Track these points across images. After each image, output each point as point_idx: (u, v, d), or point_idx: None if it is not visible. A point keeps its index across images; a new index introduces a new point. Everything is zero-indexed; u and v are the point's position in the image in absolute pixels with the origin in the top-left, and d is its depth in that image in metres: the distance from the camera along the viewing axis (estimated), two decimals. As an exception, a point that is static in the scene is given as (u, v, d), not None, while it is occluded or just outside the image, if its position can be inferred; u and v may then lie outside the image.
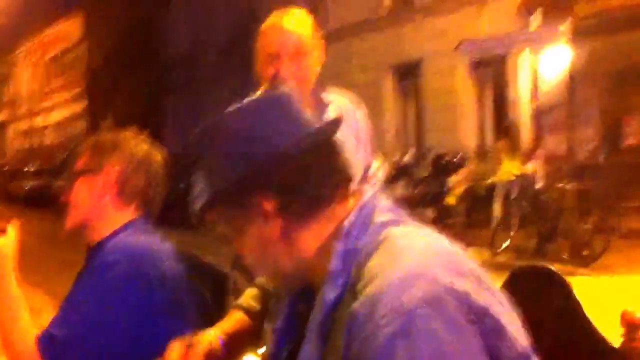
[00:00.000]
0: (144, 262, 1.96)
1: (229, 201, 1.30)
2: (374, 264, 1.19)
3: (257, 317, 1.80)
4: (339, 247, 1.26)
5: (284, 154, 1.27)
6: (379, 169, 2.55)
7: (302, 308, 1.39)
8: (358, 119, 2.46)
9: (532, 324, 1.26)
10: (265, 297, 1.80)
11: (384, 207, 1.31)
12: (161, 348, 1.85)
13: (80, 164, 2.13)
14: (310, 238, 1.29)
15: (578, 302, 1.53)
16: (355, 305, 1.15)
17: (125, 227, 2.08)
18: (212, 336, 1.71)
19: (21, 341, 1.87)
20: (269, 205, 1.27)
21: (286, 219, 1.28)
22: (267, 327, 1.58)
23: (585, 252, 9.29)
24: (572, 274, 8.55)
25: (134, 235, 2.05)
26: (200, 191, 1.32)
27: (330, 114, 2.32)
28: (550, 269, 1.61)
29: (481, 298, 1.15)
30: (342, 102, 2.46)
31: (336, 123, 1.37)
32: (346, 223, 1.28)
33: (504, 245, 10.21)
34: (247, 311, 1.89)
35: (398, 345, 1.08)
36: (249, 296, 1.92)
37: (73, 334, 1.85)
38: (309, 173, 1.28)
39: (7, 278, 1.90)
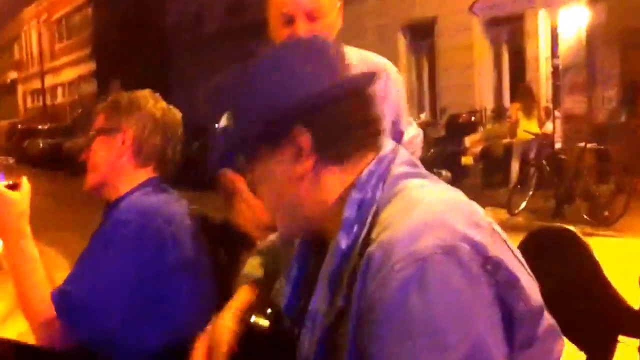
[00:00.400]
0: (157, 220, 1.96)
1: (264, 136, 1.29)
2: (389, 213, 1.20)
3: (264, 285, 1.73)
4: (354, 195, 1.26)
5: (322, 94, 1.27)
6: (418, 136, 2.42)
7: (312, 262, 1.40)
8: (386, 79, 2.29)
9: (550, 285, 1.25)
10: (268, 262, 1.75)
11: (403, 161, 1.31)
12: (174, 305, 1.97)
13: (98, 123, 2.15)
14: (334, 183, 1.29)
15: (597, 263, 1.51)
16: (371, 249, 1.15)
17: (140, 186, 2.09)
18: (230, 323, 1.64)
19: (38, 297, 1.88)
20: (304, 141, 1.27)
21: (317, 158, 1.28)
22: (277, 285, 1.54)
23: (605, 213, 9.22)
24: (591, 234, 8.47)
25: (149, 194, 2.06)
26: (231, 132, 1.33)
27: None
28: (569, 230, 1.59)
29: (496, 250, 1.15)
30: (370, 61, 2.31)
31: (372, 77, 1.37)
32: (364, 173, 1.27)
33: (521, 206, 10.16)
34: (254, 281, 1.81)
35: (412, 290, 1.08)
36: (253, 265, 1.84)
37: (87, 290, 1.87)
38: (344, 118, 1.28)
39: (23, 234, 1.89)
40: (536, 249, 1.42)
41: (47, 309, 1.85)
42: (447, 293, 1.09)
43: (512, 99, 11.87)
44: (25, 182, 1.92)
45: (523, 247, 1.27)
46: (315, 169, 1.28)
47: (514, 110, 11.43)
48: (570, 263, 1.55)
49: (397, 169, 1.28)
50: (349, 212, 1.25)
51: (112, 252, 1.91)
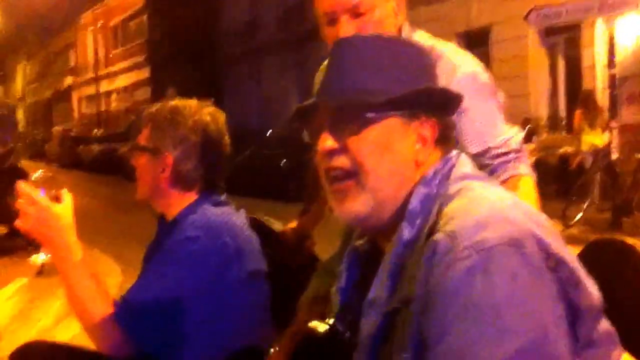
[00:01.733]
0: (222, 237, 1.99)
1: (405, 106, 1.34)
2: (453, 207, 1.24)
3: (325, 303, 1.74)
4: (420, 190, 1.32)
5: (457, 95, 1.40)
6: (518, 141, 2.14)
7: (365, 267, 1.45)
8: (462, 81, 2.07)
9: (607, 297, 1.25)
10: (328, 281, 1.75)
11: (466, 164, 1.37)
12: (237, 320, 2.00)
13: (142, 138, 2.15)
14: (416, 176, 1.36)
15: None
16: (437, 236, 1.19)
17: (199, 202, 2.10)
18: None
19: (94, 309, 1.89)
20: (432, 130, 1.37)
21: (431, 151, 1.37)
22: (333, 290, 1.55)
23: (663, 226, 9.05)
24: None
25: (210, 210, 2.07)
26: (365, 85, 1.34)
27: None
28: (627, 243, 1.57)
29: (558, 248, 1.18)
30: (455, 60, 2.12)
31: (459, 99, 1.43)
32: (430, 171, 1.34)
33: (576, 218, 10.03)
34: (315, 299, 1.87)
35: (476, 278, 1.11)
36: (314, 286, 1.92)
37: (152, 304, 1.90)
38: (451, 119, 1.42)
39: (69, 247, 1.89)
40: (593, 260, 1.39)
41: (107, 319, 1.87)
42: (511, 282, 1.11)
43: (574, 106, 11.64)
44: (66, 194, 1.92)
45: (580, 259, 1.26)
46: (424, 158, 1.36)
47: (577, 118, 11.16)
48: (628, 276, 1.52)
49: (460, 169, 1.35)
50: (414, 204, 1.31)
51: (178, 268, 1.93)
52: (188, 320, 1.93)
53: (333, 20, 2.02)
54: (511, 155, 2.08)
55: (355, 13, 2.01)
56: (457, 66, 2.06)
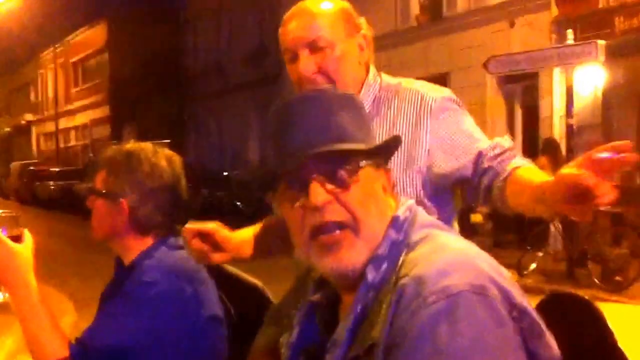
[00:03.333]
0: (180, 282, 2.00)
1: (373, 157, 1.37)
2: (417, 254, 1.27)
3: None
4: (391, 235, 1.33)
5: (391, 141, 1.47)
6: (508, 141, 2.06)
7: (322, 322, 1.44)
8: (420, 106, 2.05)
9: (564, 351, 1.28)
10: (278, 332, 1.72)
11: (424, 213, 1.42)
12: None
13: (98, 182, 2.15)
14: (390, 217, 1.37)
15: (612, 333, 1.49)
16: (404, 281, 1.21)
17: (155, 247, 2.10)
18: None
19: (50, 350, 1.88)
20: (386, 175, 1.40)
21: (390, 195, 1.40)
22: (282, 342, 1.53)
23: (618, 278, 9.09)
24: (603, 300, 8.44)
25: (167, 254, 2.07)
26: (354, 133, 1.35)
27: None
28: (583, 298, 1.59)
29: (521, 299, 1.21)
30: (404, 87, 2.10)
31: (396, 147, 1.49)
32: (400, 215, 1.36)
33: (531, 267, 10.06)
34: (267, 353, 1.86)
35: (441, 322, 1.13)
36: (266, 336, 1.92)
37: (108, 349, 1.90)
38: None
39: (28, 285, 1.89)
40: (549, 315, 1.37)
41: (57, 358, 1.87)
42: (475, 328, 1.13)
43: (532, 155, 11.62)
44: (27, 234, 1.94)
45: (538, 311, 1.26)
46: (390, 206, 1.39)
47: (540, 165, 11.10)
48: (584, 331, 1.53)
49: (422, 218, 1.38)
50: (382, 248, 1.31)
51: (136, 313, 1.94)
52: None
53: (294, 57, 2.01)
54: (507, 154, 1.98)
55: (314, 47, 1.98)
56: (425, 94, 2.05)
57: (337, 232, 1.31)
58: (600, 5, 12.49)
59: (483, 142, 2.03)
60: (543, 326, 1.23)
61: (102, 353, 1.89)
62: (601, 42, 9.97)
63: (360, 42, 2.06)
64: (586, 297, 1.59)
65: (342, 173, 1.31)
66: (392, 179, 1.42)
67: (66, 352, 1.87)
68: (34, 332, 1.89)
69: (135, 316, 1.93)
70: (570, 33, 10.70)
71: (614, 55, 10.92)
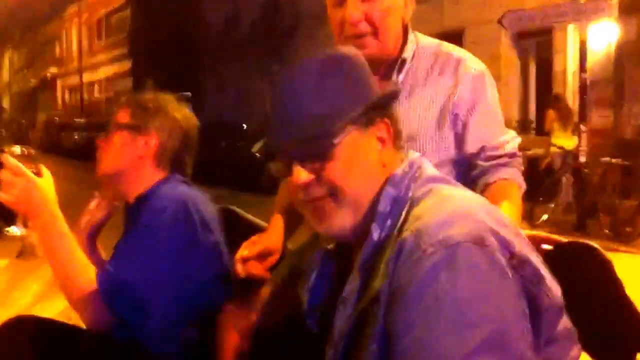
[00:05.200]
0: (189, 207, 2.05)
1: (360, 119, 1.37)
2: (422, 207, 1.29)
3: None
4: (389, 191, 1.36)
5: (394, 93, 1.49)
6: (513, 147, 2.14)
7: (335, 268, 1.49)
8: (456, 68, 2.09)
9: (571, 299, 1.29)
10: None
11: (430, 167, 1.43)
12: (206, 287, 2.08)
13: (122, 117, 2.19)
14: (383, 175, 1.39)
15: (619, 281, 1.52)
16: (404, 235, 1.24)
17: (165, 180, 2.16)
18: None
19: (78, 274, 1.91)
20: (387, 129, 1.41)
21: (389, 147, 1.41)
22: (300, 290, 1.58)
23: (627, 229, 9.16)
24: (613, 250, 8.46)
25: (176, 186, 2.14)
26: (323, 115, 1.35)
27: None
28: (592, 246, 1.60)
29: (522, 248, 1.23)
30: (444, 51, 2.12)
31: (397, 93, 1.53)
32: (398, 172, 1.38)
33: (543, 218, 10.14)
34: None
35: (441, 274, 1.15)
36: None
37: (130, 273, 1.93)
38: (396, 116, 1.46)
39: (56, 216, 1.91)
40: (559, 262, 1.41)
41: (89, 285, 1.90)
42: (475, 277, 1.15)
43: (544, 110, 11.76)
44: (45, 170, 1.95)
45: (548, 259, 1.30)
46: (386, 157, 1.40)
47: (548, 119, 11.28)
48: (592, 279, 1.56)
49: (427, 172, 1.39)
50: (383, 206, 1.34)
51: (151, 237, 1.98)
52: (164, 288, 1.98)
53: (342, 1, 1.99)
54: (503, 160, 2.07)
55: None
56: (467, 64, 2.08)
57: (320, 203, 1.36)
58: (615, -38, 12.49)
59: (495, 136, 2.08)
60: (545, 272, 1.24)
61: (126, 278, 1.92)
62: None
63: (405, 1, 2.06)
64: (596, 245, 1.59)
65: (319, 151, 1.34)
66: (396, 127, 1.42)
67: (94, 282, 1.90)
68: (63, 263, 1.91)
69: (149, 241, 1.98)
70: None
71: (627, 11, 10.92)
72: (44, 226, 1.90)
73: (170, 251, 1.99)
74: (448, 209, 1.25)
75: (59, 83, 47.94)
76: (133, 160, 2.15)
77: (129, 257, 1.97)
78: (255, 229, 2.28)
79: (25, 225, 2.02)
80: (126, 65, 35.10)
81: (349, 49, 1.50)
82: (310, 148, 1.35)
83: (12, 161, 1.87)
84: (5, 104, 55.81)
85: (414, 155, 1.43)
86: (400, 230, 1.28)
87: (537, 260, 1.25)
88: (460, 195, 1.32)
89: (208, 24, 29.07)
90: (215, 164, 17.22)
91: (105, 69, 39.26)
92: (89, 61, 41.51)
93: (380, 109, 1.40)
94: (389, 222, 1.33)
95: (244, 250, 1.99)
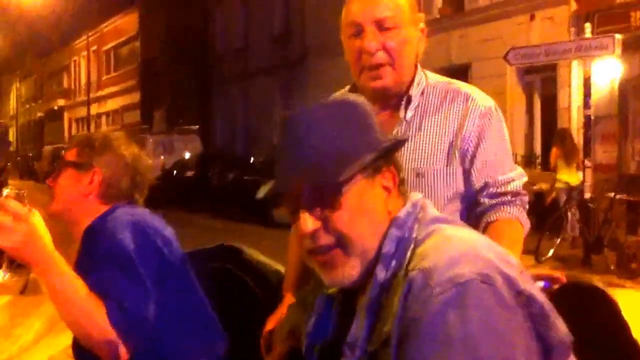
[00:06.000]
0: (143, 227, 2.04)
1: (369, 167, 1.37)
2: (427, 247, 1.30)
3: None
4: (394, 233, 1.36)
5: (398, 142, 1.49)
6: (518, 186, 2.14)
7: (337, 309, 1.48)
8: (465, 105, 2.10)
9: (578, 342, 1.29)
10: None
11: (432, 207, 1.44)
12: (184, 305, 2.07)
13: (69, 156, 2.21)
14: (386, 219, 1.39)
15: (626, 323, 1.53)
16: (412, 274, 1.24)
17: (111, 210, 2.12)
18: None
19: (94, 317, 1.85)
20: (392, 176, 1.41)
21: (394, 194, 1.41)
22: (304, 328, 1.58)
23: (633, 265, 9.20)
24: (618, 286, 8.58)
25: (124, 209, 2.11)
26: (332, 162, 1.34)
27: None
28: (598, 287, 1.61)
29: (527, 285, 1.24)
30: (453, 87, 2.15)
31: (403, 142, 1.57)
32: (402, 213, 1.39)
33: (549, 254, 10.17)
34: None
35: (451, 310, 1.17)
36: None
37: (136, 305, 1.90)
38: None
39: (58, 260, 1.85)
40: (565, 303, 1.42)
41: (105, 324, 1.85)
42: (484, 315, 1.16)
43: (550, 144, 11.87)
44: (36, 212, 1.86)
45: (552, 299, 1.29)
46: (393, 206, 1.40)
47: (554, 155, 11.37)
48: (599, 321, 1.56)
49: (430, 213, 1.40)
50: (388, 247, 1.34)
51: (121, 269, 1.93)
52: (163, 311, 1.98)
53: (359, 32, 2.04)
54: (507, 198, 2.08)
55: (381, 26, 2.02)
56: (476, 100, 2.10)
57: (328, 252, 1.35)
58: (617, 1, 12.62)
59: (501, 172, 2.08)
60: (551, 310, 1.24)
61: (136, 312, 1.89)
62: (618, 36, 9.92)
63: (419, 34, 2.11)
64: (602, 286, 1.61)
65: (328, 199, 1.33)
66: (399, 175, 1.42)
67: (104, 310, 1.85)
68: (70, 306, 1.85)
69: (120, 275, 1.91)
70: (588, 27, 10.72)
71: (630, 48, 11.00)
72: (46, 271, 1.84)
73: (149, 273, 1.96)
74: (454, 247, 1.26)
75: (66, 115, 48.15)
76: (78, 197, 2.15)
77: (120, 292, 1.90)
78: (260, 268, 2.29)
79: (9, 269, 1.93)
80: (135, 97, 35.40)
81: (356, 96, 1.52)
82: (318, 195, 1.34)
83: (15, 205, 1.80)
84: (12, 135, 55.99)
85: (416, 196, 1.44)
86: (406, 270, 1.28)
87: (542, 297, 1.25)
88: (464, 235, 1.33)
89: (218, 55, 29.32)
90: (223, 196, 17.34)
91: (113, 101, 39.61)
92: (97, 93, 41.84)
93: (386, 157, 1.40)
94: (393, 263, 1.33)
95: (271, 325, 2.02)
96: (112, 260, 1.94)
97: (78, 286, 1.86)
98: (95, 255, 1.98)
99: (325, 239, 1.35)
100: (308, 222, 1.34)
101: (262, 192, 1.40)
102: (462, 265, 1.20)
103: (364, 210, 1.35)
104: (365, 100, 1.48)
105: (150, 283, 1.95)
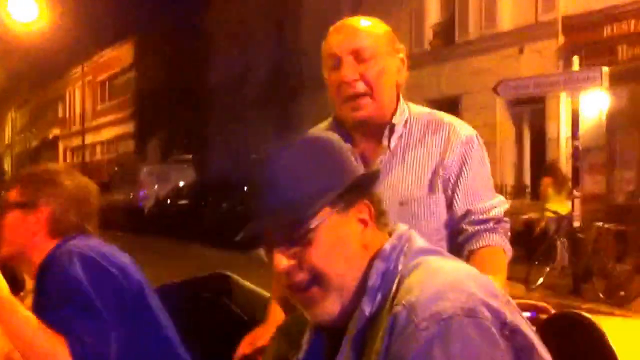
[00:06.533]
0: (100, 261, 2.01)
1: (339, 201, 1.35)
2: (412, 280, 1.28)
3: None
4: (379, 266, 1.34)
5: (374, 174, 1.51)
6: (500, 212, 2.14)
7: (325, 342, 1.45)
8: (448, 135, 2.12)
9: None
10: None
11: (419, 238, 1.41)
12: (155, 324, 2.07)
13: (12, 196, 2.15)
14: (368, 254, 1.37)
15: (613, 352, 1.51)
16: (396, 309, 1.23)
17: (64, 241, 2.08)
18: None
19: (41, 339, 1.85)
20: (369, 209, 1.38)
21: (372, 227, 1.38)
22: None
23: (621, 293, 9.30)
24: (607, 314, 8.65)
25: (73, 242, 2.07)
26: (298, 200, 1.33)
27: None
28: (586, 317, 1.59)
29: (513, 317, 1.23)
30: (436, 117, 2.17)
31: (377, 174, 1.55)
32: (387, 246, 1.37)
33: (538, 282, 10.26)
34: None
35: (435, 348, 1.16)
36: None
37: (97, 340, 1.88)
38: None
39: (9, 300, 1.88)
40: (553, 333, 1.43)
41: (53, 344, 1.85)
42: (468, 350, 1.15)
43: (539, 175, 12.06)
44: None
45: (540, 330, 1.30)
46: (369, 238, 1.38)
47: (544, 186, 11.58)
48: (586, 350, 1.54)
49: (415, 244, 1.37)
50: (373, 280, 1.32)
51: (83, 298, 1.91)
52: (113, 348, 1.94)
53: (337, 63, 2.04)
54: (489, 225, 2.07)
55: (359, 56, 2.03)
56: (458, 130, 2.12)
57: (305, 291, 1.34)
58: (605, 35, 12.91)
59: (483, 200, 2.10)
60: (536, 342, 1.23)
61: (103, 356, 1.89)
62: (605, 69, 10.05)
63: (399, 64, 2.11)
64: (589, 317, 1.57)
65: (299, 236, 1.33)
66: (377, 207, 1.40)
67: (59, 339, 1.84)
68: (24, 341, 1.87)
69: (79, 312, 1.89)
70: (576, 60, 10.80)
71: (617, 81, 11.10)
72: (1, 314, 1.88)
73: (106, 304, 1.93)
74: (438, 281, 1.24)
75: (60, 144, 48.11)
76: (27, 238, 2.11)
77: (79, 327, 1.88)
78: (251, 297, 2.28)
79: None
80: (130, 127, 35.48)
81: (327, 133, 1.52)
82: (288, 234, 1.33)
83: None
84: (7, 165, 55.93)
85: (402, 228, 1.42)
86: (392, 304, 1.26)
87: (528, 329, 1.25)
88: (450, 267, 1.32)
89: (213, 87, 29.43)
90: (216, 226, 17.34)
91: (108, 131, 39.57)
92: (92, 122, 41.76)
93: (360, 191, 1.38)
94: (379, 296, 1.31)
95: (245, 348, 2.00)
96: (66, 296, 1.91)
97: (36, 326, 1.86)
98: (49, 292, 1.97)
99: (300, 276, 1.35)
100: (281, 260, 1.34)
101: (241, 235, 1.40)
102: (446, 300, 1.20)
103: (338, 245, 1.34)
104: (337, 136, 1.47)
105: (108, 314, 1.92)
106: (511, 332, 1.20)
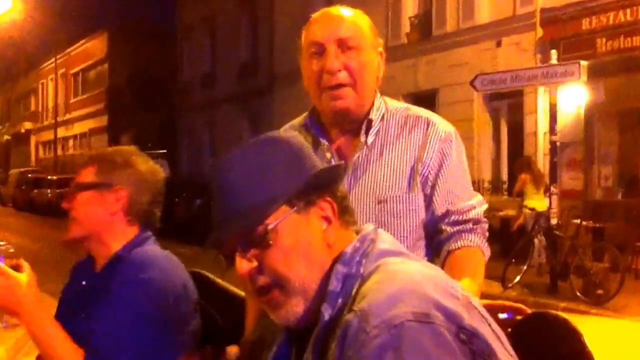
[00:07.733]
0: (173, 277, 2.05)
1: (298, 200, 1.34)
2: (368, 285, 1.25)
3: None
4: (339, 269, 1.32)
5: (336, 169, 1.46)
6: (479, 213, 2.12)
7: (294, 344, 1.43)
8: (425, 130, 2.10)
9: None
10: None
11: (385, 240, 1.38)
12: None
13: (87, 177, 2.14)
14: (330, 254, 1.35)
15: (589, 352, 1.51)
16: (349, 316, 1.20)
17: (142, 240, 2.13)
18: None
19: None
20: (331, 207, 1.36)
21: (337, 226, 1.37)
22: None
23: (598, 291, 9.25)
24: (584, 312, 8.63)
25: (155, 248, 2.12)
26: (251, 203, 1.32)
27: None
28: (561, 317, 1.59)
29: (472, 321, 1.19)
30: (413, 112, 2.14)
31: (341, 168, 1.50)
32: (348, 249, 1.34)
33: (515, 280, 10.21)
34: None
35: (386, 355, 1.13)
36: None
37: (121, 348, 1.91)
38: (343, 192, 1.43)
39: (40, 311, 1.92)
40: (528, 334, 1.43)
41: None
42: (420, 357, 1.12)
43: (516, 171, 11.95)
44: (25, 264, 1.95)
45: (515, 331, 1.31)
46: (333, 235, 1.36)
47: (522, 182, 11.49)
48: (562, 350, 1.54)
49: (379, 246, 1.34)
50: (334, 285, 1.31)
51: (139, 311, 1.96)
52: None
53: (320, 51, 2.01)
54: (468, 226, 2.06)
55: (344, 45, 2.00)
56: (436, 126, 2.09)
57: (268, 294, 1.34)
58: (583, 28, 12.83)
59: (461, 199, 2.07)
60: (496, 346, 1.21)
61: (115, 354, 1.91)
62: (583, 63, 10.04)
63: (379, 58, 2.09)
64: (565, 316, 1.58)
65: (257, 239, 1.32)
66: (340, 204, 1.39)
67: None
68: (51, 354, 1.91)
69: (136, 315, 1.94)
70: (554, 53, 10.81)
71: (595, 75, 11.12)
72: (28, 322, 1.91)
73: (159, 324, 1.96)
74: (393, 285, 1.21)
75: (33, 138, 47.90)
76: (104, 219, 2.10)
77: (115, 331, 1.93)
78: (225, 295, 2.27)
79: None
80: (102, 120, 35.39)
81: (284, 132, 1.50)
82: (246, 237, 1.33)
83: None
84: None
85: (367, 228, 1.40)
86: (350, 308, 1.24)
87: (488, 332, 1.21)
88: (408, 269, 1.27)
89: (185, 82, 29.43)
90: (189, 223, 17.23)
91: (81, 125, 39.44)
92: (65, 116, 41.70)
93: (320, 189, 1.36)
94: (340, 300, 1.29)
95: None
96: (130, 297, 1.96)
97: (56, 336, 1.91)
98: (118, 291, 2.00)
99: (262, 280, 1.34)
100: (242, 264, 1.34)
101: (207, 242, 1.39)
102: (399, 305, 1.16)
103: (298, 246, 1.33)
104: (296, 135, 1.46)
105: (158, 329, 1.96)
106: (468, 336, 1.17)
